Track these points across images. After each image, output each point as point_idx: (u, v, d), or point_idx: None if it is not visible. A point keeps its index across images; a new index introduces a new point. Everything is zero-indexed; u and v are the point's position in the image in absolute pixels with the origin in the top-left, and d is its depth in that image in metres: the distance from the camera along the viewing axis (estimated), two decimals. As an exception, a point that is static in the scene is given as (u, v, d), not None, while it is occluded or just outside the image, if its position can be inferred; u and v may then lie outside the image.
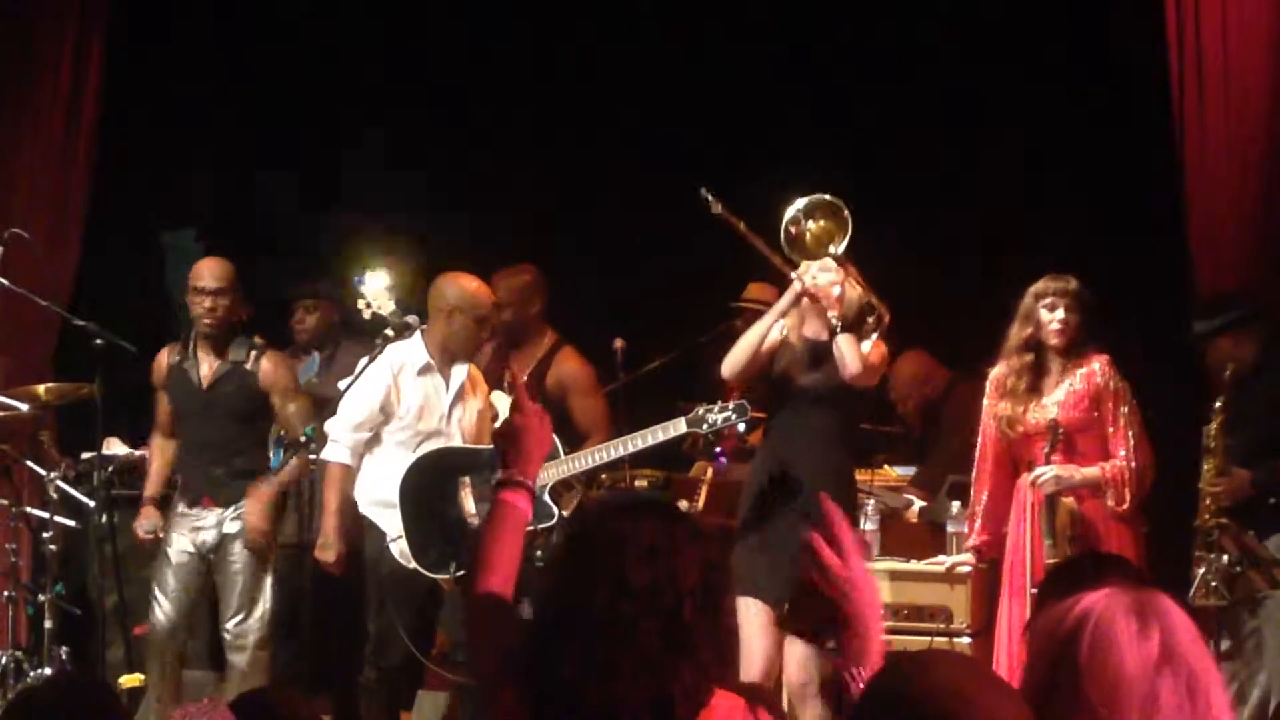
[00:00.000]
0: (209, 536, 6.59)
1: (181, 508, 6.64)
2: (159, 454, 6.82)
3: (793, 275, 5.90)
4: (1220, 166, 6.81)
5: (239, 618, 6.55)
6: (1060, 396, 5.91)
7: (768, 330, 5.93)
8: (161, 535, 6.66)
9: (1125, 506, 5.85)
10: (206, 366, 6.61)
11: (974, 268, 7.55)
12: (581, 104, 8.54)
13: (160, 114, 8.50)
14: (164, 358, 6.70)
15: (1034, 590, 5.69)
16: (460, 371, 6.36)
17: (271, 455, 6.83)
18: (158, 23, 8.50)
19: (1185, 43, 6.83)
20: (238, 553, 6.55)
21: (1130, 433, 5.87)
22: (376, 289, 6.45)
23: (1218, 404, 6.13)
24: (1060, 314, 5.97)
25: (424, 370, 6.33)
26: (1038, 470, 5.86)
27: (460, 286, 6.34)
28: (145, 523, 6.71)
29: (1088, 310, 5.96)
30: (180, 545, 6.60)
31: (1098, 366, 5.92)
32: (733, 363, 5.98)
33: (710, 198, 6.01)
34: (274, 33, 8.62)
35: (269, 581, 6.61)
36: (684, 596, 2.77)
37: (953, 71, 7.92)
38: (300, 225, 8.72)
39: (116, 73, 8.04)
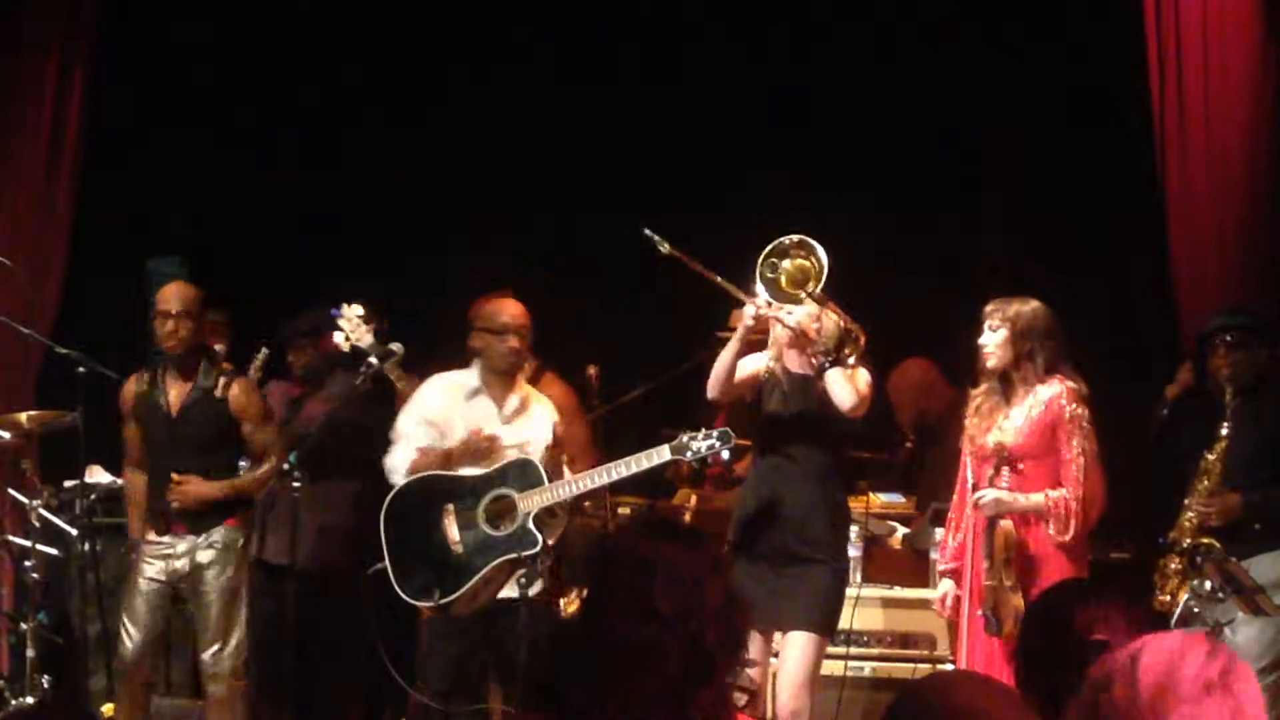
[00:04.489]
0: (180, 565, 6.50)
1: (152, 535, 6.55)
2: (134, 489, 6.70)
3: (747, 301, 5.86)
4: (1201, 183, 6.86)
5: (215, 647, 6.49)
6: (1019, 422, 5.85)
7: (733, 355, 5.90)
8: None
9: (1068, 538, 5.76)
10: (174, 393, 6.54)
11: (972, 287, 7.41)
12: (560, 126, 8.58)
13: (146, 139, 8.51)
14: (131, 386, 6.62)
15: (979, 612, 5.73)
16: (515, 395, 6.33)
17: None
18: (145, 48, 8.52)
19: (1166, 58, 6.88)
20: (211, 582, 6.48)
21: (1079, 463, 5.77)
22: (352, 320, 6.42)
23: (1223, 430, 6.14)
24: (983, 337, 5.91)
25: (472, 394, 6.33)
26: (980, 492, 5.82)
27: (483, 306, 6.40)
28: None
29: (1017, 328, 5.84)
30: (150, 573, 6.51)
31: (1059, 391, 5.83)
32: (711, 384, 6.00)
33: (656, 238, 5.97)
34: (259, 57, 8.67)
35: (244, 611, 6.55)
36: (708, 623, 2.80)
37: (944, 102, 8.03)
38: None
39: (102, 97, 8.04)
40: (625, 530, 3.21)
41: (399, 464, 6.27)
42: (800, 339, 5.83)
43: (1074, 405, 5.80)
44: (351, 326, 6.44)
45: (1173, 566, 6.18)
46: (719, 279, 5.97)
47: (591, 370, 6.94)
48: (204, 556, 6.48)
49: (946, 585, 6.02)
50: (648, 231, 5.97)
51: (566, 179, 8.59)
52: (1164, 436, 6.47)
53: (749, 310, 5.85)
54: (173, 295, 6.54)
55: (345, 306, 6.46)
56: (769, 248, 5.82)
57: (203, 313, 6.59)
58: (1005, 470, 5.81)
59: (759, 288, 5.80)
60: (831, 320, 5.86)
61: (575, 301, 8.07)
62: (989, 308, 5.91)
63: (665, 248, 5.98)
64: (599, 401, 7.04)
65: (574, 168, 8.58)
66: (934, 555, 6.59)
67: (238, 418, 6.53)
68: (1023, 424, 5.85)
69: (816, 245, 5.78)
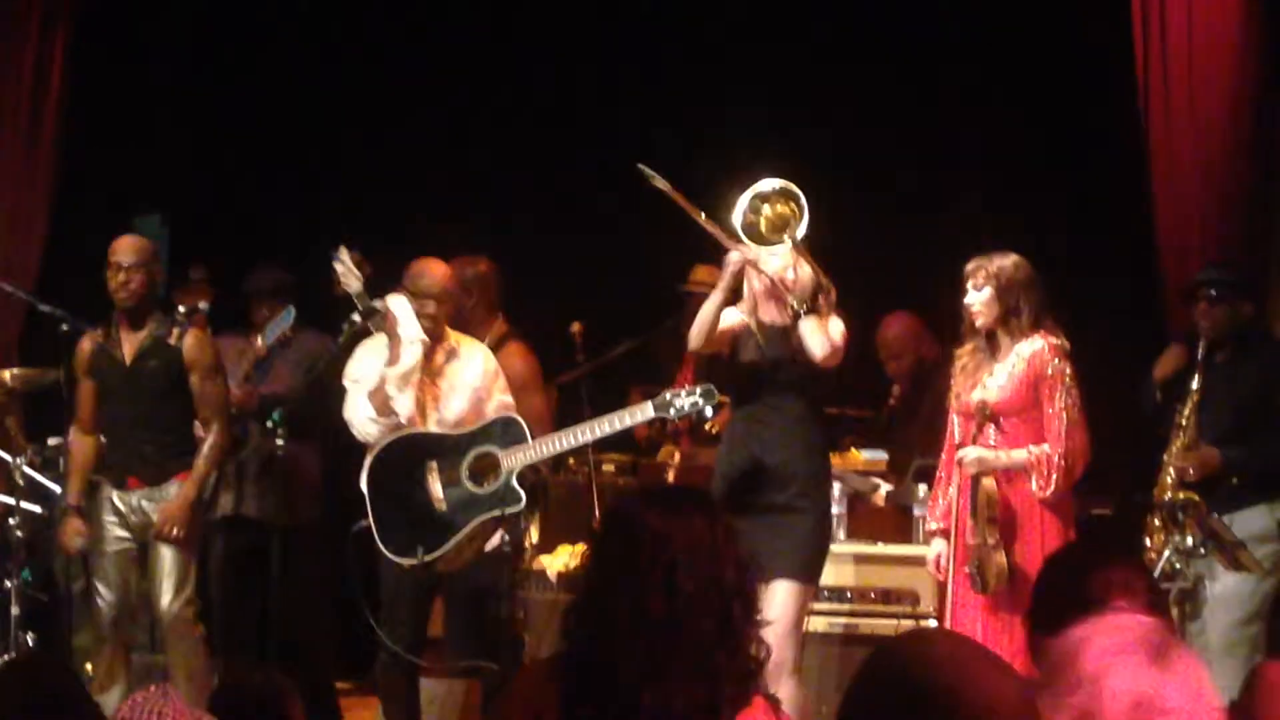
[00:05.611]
0: (136, 519, 6.44)
1: (108, 490, 6.48)
2: (78, 452, 6.61)
3: (732, 248, 5.83)
4: (1186, 150, 6.86)
5: (169, 597, 6.39)
6: (1001, 380, 5.84)
7: (718, 305, 5.87)
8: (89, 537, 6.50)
9: (1049, 493, 5.73)
10: (128, 344, 6.46)
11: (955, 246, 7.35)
12: (536, 82, 8.55)
13: (130, 97, 8.46)
14: (86, 344, 6.53)
15: (966, 570, 5.72)
16: (441, 348, 6.32)
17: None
18: (128, 6, 8.47)
19: (1150, 29, 6.86)
20: (159, 525, 6.38)
21: (1063, 419, 5.75)
22: (345, 264, 6.36)
23: (1194, 384, 6.16)
24: (968, 297, 5.90)
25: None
26: (963, 450, 5.82)
27: (410, 267, 6.38)
28: (75, 539, 6.51)
29: (1000, 284, 5.82)
30: (115, 532, 6.46)
31: (1040, 347, 5.80)
32: (694, 336, 5.97)
33: (649, 171, 5.91)
34: (248, 21, 8.64)
35: (194, 563, 6.48)
36: (730, 597, 2.81)
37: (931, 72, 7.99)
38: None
39: (85, 53, 7.99)
40: (636, 503, 3.07)
41: (358, 409, 6.24)
42: (776, 288, 5.82)
43: (1056, 360, 5.79)
44: (343, 270, 6.35)
45: (1156, 522, 6.20)
46: (708, 221, 5.92)
47: (575, 327, 6.90)
48: (155, 511, 6.41)
49: (939, 545, 5.98)
50: (642, 166, 5.91)
51: (551, 132, 8.56)
52: (1160, 420, 6.45)
53: (734, 256, 5.82)
54: (122, 247, 6.45)
55: (342, 250, 6.38)
56: (750, 191, 5.80)
57: (156, 264, 6.53)
58: (989, 428, 5.80)
59: (738, 230, 5.78)
60: (805, 271, 5.84)
61: (559, 257, 8.07)
62: (970, 266, 5.89)
63: (657, 182, 5.91)
64: (584, 358, 7.00)
65: (558, 121, 8.55)
66: (918, 512, 6.60)
67: (188, 368, 6.44)
68: (1005, 381, 5.84)
69: (799, 192, 5.76)
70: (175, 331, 6.45)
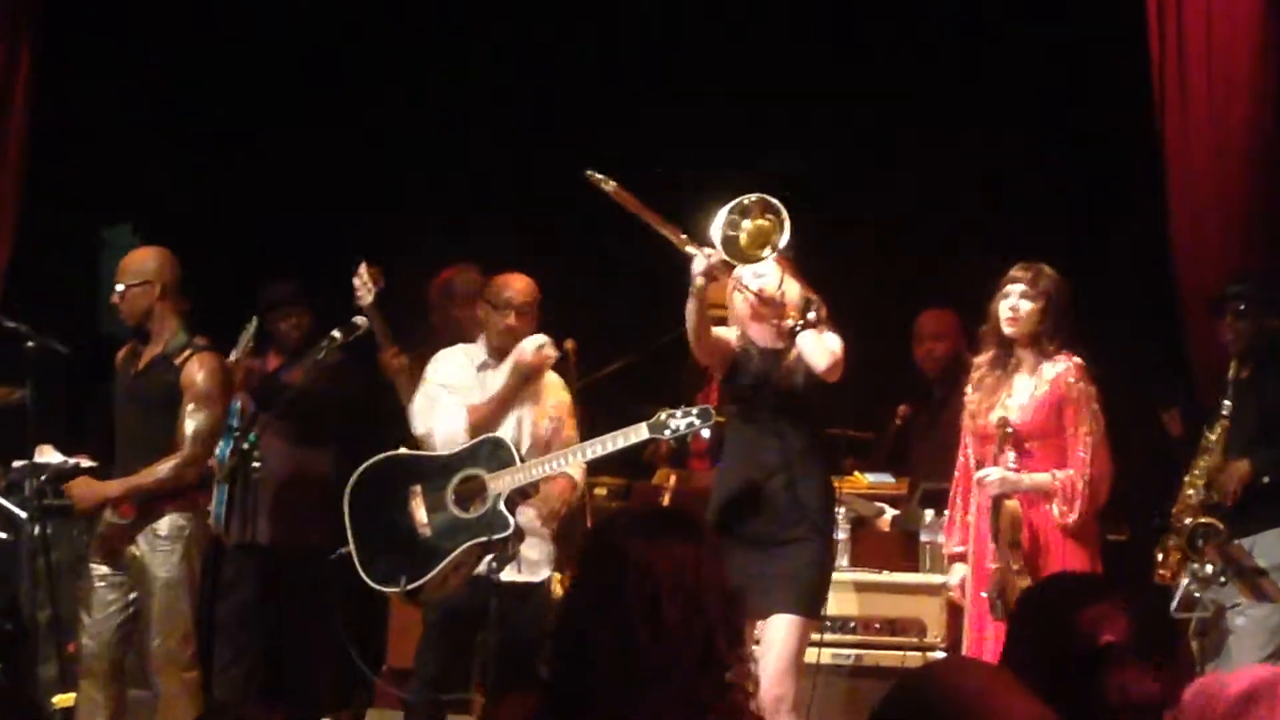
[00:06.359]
0: (127, 551, 6.22)
1: (106, 514, 6.26)
2: None
3: (690, 251, 5.61)
4: (1202, 156, 6.76)
5: (159, 639, 6.19)
6: (1024, 399, 5.71)
7: (695, 313, 5.64)
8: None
9: (1073, 519, 5.61)
10: (145, 357, 6.32)
11: (959, 262, 7.40)
12: (534, 96, 8.50)
13: (99, 104, 8.32)
14: (121, 353, 6.42)
15: (982, 594, 5.60)
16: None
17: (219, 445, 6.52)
18: (97, 12, 8.34)
19: (1166, 28, 6.77)
20: (153, 572, 6.18)
21: (1087, 443, 5.64)
22: (363, 278, 6.43)
23: (1224, 409, 6.08)
24: (1011, 301, 5.74)
25: (482, 368, 6.32)
26: (984, 470, 5.68)
27: (492, 280, 6.40)
28: None
29: (1051, 301, 5.71)
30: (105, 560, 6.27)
31: (1065, 368, 5.70)
32: (693, 348, 5.81)
33: (597, 176, 5.74)
34: (215, 25, 8.53)
35: (190, 600, 6.25)
36: (715, 625, 2.78)
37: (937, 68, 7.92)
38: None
39: (53, 59, 7.87)
40: (619, 527, 2.99)
41: (445, 422, 6.15)
42: (764, 306, 5.68)
43: (1082, 383, 5.68)
44: (359, 284, 6.41)
45: (1171, 543, 6.08)
46: (664, 225, 5.71)
47: (569, 345, 6.74)
48: (146, 545, 6.20)
49: (961, 570, 5.85)
50: (590, 172, 5.75)
51: (541, 142, 8.48)
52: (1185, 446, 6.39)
53: (698, 263, 5.59)
54: (122, 264, 6.36)
55: (363, 264, 6.44)
56: (729, 205, 5.61)
57: (163, 279, 6.30)
58: (1009, 449, 5.67)
59: (717, 246, 5.59)
60: (794, 286, 5.71)
61: (551, 273, 7.74)
62: (1022, 272, 5.75)
63: (609, 185, 5.73)
64: (577, 377, 6.88)
65: (548, 130, 8.46)
66: (925, 537, 6.49)
67: (182, 391, 6.22)
68: (1028, 402, 5.71)
69: (780, 206, 5.56)
70: (185, 353, 6.25)
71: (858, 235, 7.42)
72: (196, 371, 6.22)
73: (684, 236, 5.64)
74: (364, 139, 8.62)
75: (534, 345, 6.20)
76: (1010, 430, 5.64)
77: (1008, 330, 5.73)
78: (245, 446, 6.20)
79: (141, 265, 6.30)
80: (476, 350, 6.33)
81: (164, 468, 6.12)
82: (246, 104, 8.63)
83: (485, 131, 8.53)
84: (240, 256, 8.08)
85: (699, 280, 5.57)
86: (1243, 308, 6.18)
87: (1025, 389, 5.73)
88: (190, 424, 6.17)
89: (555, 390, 6.34)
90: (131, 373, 6.31)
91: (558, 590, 6.50)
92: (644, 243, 6.82)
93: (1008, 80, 7.84)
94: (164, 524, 6.19)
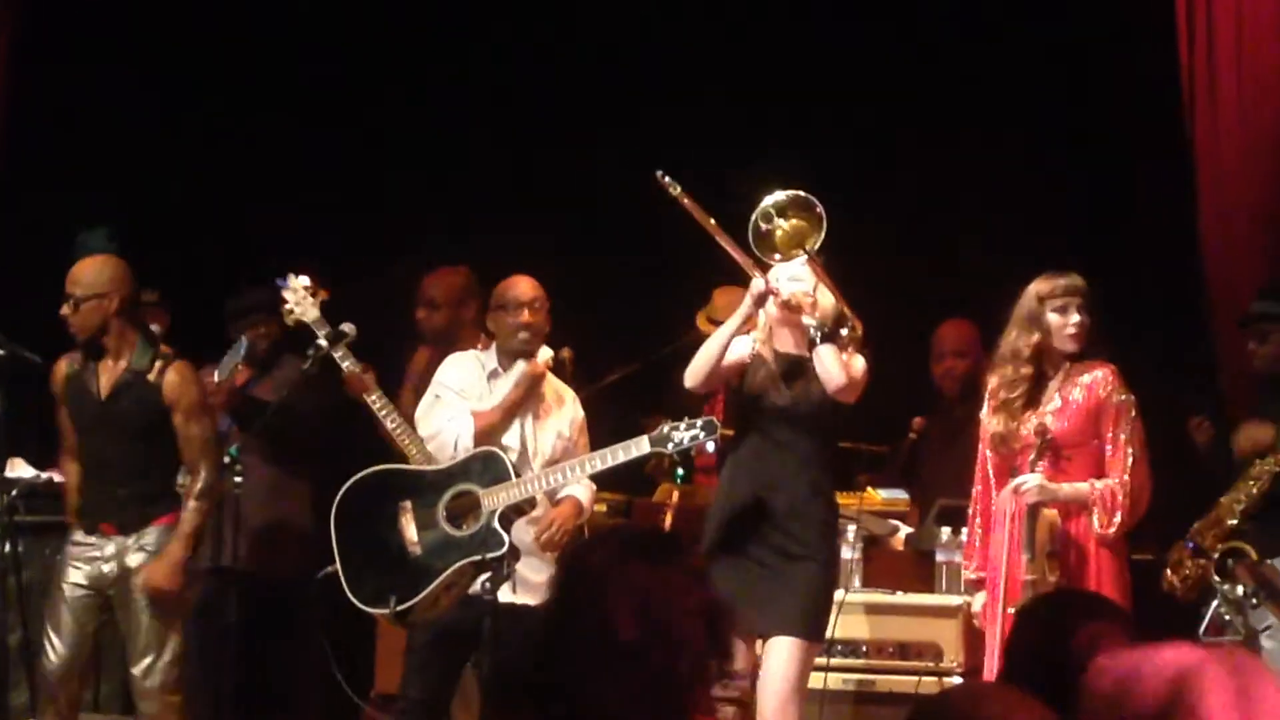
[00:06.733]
0: (109, 568, 6.03)
1: (78, 535, 6.11)
2: (71, 476, 6.28)
3: (755, 274, 5.57)
4: (1232, 157, 6.71)
5: (147, 661, 6.01)
6: (1056, 404, 5.58)
7: (730, 337, 5.58)
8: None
9: (1113, 530, 5.51)
10: (105, 376, 6.09)
11: (973, 267, 7.38)
12: (539, 97, 8.39)
13: (75, 103, 8.19)
14: (62, 367, 6.17)
15: (1010, 610, 5.39)
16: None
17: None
18: (74, 10, 8.23)
19: (1195, 29, 6.70)
20: (142, 588, 6.00)
21: (1129, 451, 5.52)
22: (298, 292, 6.08)
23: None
24: (1075, 317, 5.59)
25: (492, 376, 6.14)
26: (1021, 477, 5.53)
27: (495, 289, 6.22)
28: None
29: (1095, 311, 5.61)
30: (75, 578, 6.05)
31: (1101, 376, 5.57)
32: (694, 372, 5.65)
33: (668, 180, 5.64)
34: (194, 15, 8.43)
35: (179, 620, 6.11)
36: (678, 652, 2.67)
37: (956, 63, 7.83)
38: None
39: (29, 56, 7.78)
40: (585, 548, 2.96)
41: (451, 426, 5.97)
42: (794, 310, 5.54)
43: (1119, 391, 5.58)
44: (297, 299, 6.06)
45: (1189, 558, 6.00)
46: (730, 242, 5.62)
47: (566, 353, 6.57)
48: (134, 560, 6.01)
49: (983, 596, 5.71)
50: (661, 173, 5.64)
51: (540, 142, 8.38)
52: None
53: (758, 284, 5.52)
54: (75, 275, 6.08)
55: (291, 277, 6.09)
56: (765, 202, 5.55)
57: (123, 291, 6.08)
58: (1043, 458, 5.53)
59: (751, 245, 5.56)
60: (828, 297, 5.57)
61: (551, 274, 7.60)
62: (1075, 284, 5.61)
63: (676, 190, 5.64)
64: (575, 387, 6.67)
65: (548, 130, 8.36)
66: (940, 557, 6.35)
67: (170, 406, 6.04)
68: (1064, 408, 5.59)
69: (815, 202, 5.51)
70: (156, 366, 6.05)
71: (863, 237, 7.18)
72: (179, 382, 6.06)
73: (749, 257, 5.57)
74: (363, 139, 8.53)
75: (547, 357, 6.05)
76: (1050, 438, 5.51)
77: (1070, 347, 5.60)
78: (225, 460, 6.07)
79: (96, 276, 6.06)
80: (488, 357, 6.16)
81: (198, 497, 6.02)
82: (237, 101, 8.51)
83: (485, 131, 8.44)
84: (230, 259, 7.94)
85: (752, 304, 5.51)
86: (1265, 329, 6.12)
87: (1059, 396, 5.61)
88: (197, 434, 6.07)
89: (570, 406, 6.18)
90: (97, 396, 6.08)
91: None
92: (645, 245, 6.68)
93: (1012, 81, 7.80)
94: (150, 536, 6.04)
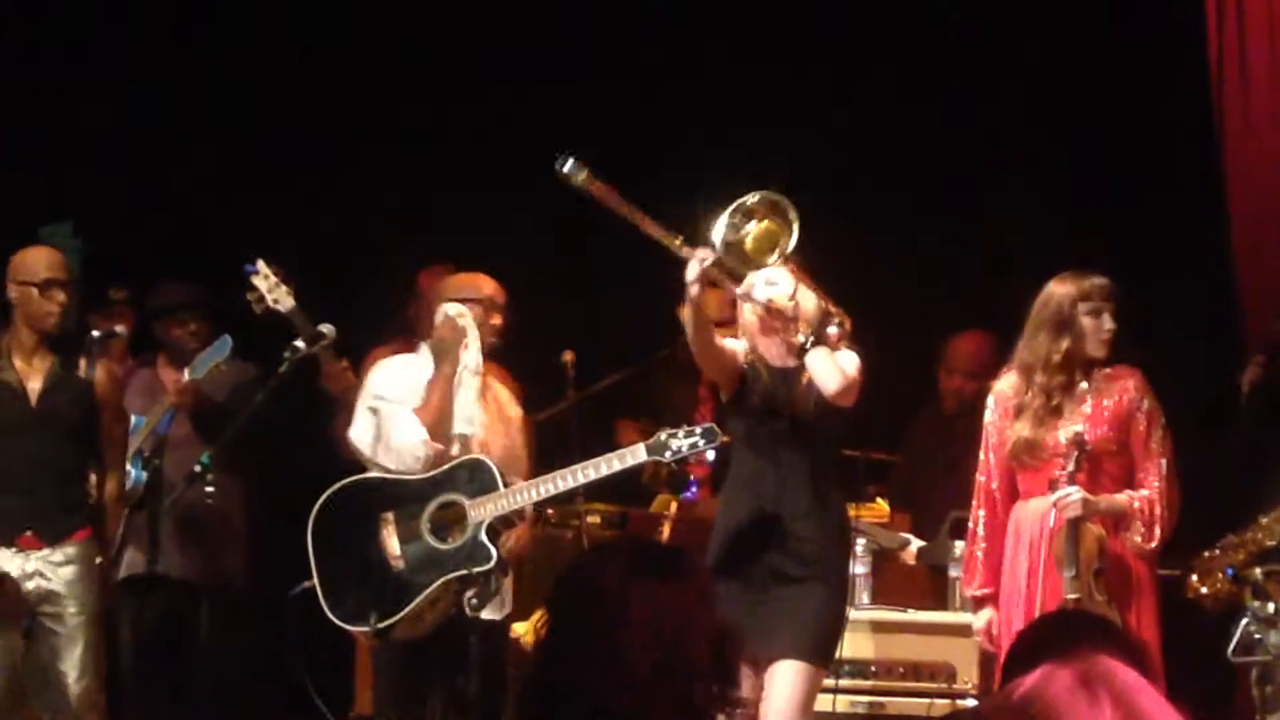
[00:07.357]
0: (32, 586, 5.78)
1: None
2: None
3: (685, 254, 5.22)
4: (1265, 158, 6.70)
5: (82, 683, 5.81)
6: (1088, 411, 5.43)
7: (694, 323, 5.29)
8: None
9: (1155, 544, 5.41)
10: (32, 374, 5.85)
11: (994, 267, 7.34)
12: (532, 101, 8.29)
13: (38, 95, 8.11)
14: None
15: None
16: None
17: (131, 471, 6.25)
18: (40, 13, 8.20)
19: (1226, 24, 6.67)
20: (73, 607, 5.80)
21: (1161, 463, 5.42)
22: (270, 279, 5.93)
23: None
24: (1108, 322, 5.45)
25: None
26: (1063, 490, 5.34)
27: (449, 279, 6.09)
28: None
29: (1124, 314, 5.49)
30: None
31: (1131, 383, 5.46)
32: (696, 358, 5.49)
33: (570, 167, 5.25)
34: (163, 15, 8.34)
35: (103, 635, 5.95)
36: (694, 679, 2.67)
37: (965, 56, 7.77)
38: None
39: None
40: (592, 565, 2.84)
41: (407, 430, 5.70)
42: (774, 318, 5.32)
43: (1147, 398, 5.48)
44: (269, 286, 5.91)
45: (1217, 564, 5.80)
46: (652, 225, 5.27)
47: (567, 356, 6.50)
48: (65, 573, 5.81)
49: (988, 614, 5.57)
50: (560, 165, 5.28)
51: (541, 142, 8.12)
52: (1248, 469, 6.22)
53: (691, 269, 5.20)
54: (55, 262, 5.91)
55: (260, 262, 5.94)
56: (732, 206, 5.26)
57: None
58: (1080, 469, 5.37)
59: (718, 251, 5.25)
60: (809, 297, 5.35)
61: (550, 275, 7.74)
62: (1084, 289, 5.45)
63: (581, 179, 5.26)
64: (573, 391, 6.65)
65: (548, 129, 8.01)
66: (954, 573, 6.19)
67: (101, 406, 5.86)
68: (1093, 413, 5.44)
69: (789, 205, 5.23)
70: (82, 362, 5.87)
71: (865, 237, 7.28)
72: (108, 380, 5.96)
73: (679, 240, 5.25)
74: (362, 138, 8.43)
75: (454, 311, 5.78)
76: (1087, 447, 5.34)
77: (1101, 353, 5.46)
78: (197, 469, 5.99)
79: (67, 264, 5.96)
80: (421, 358, 5.93)
81: (115, 505, 5.92)
82: (209, 94, 8.41)
83: (485, 131, 8.32)
84: (212, 260, 7.63)
85: (694, 288, 5.21)
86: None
87: (1088, 402, 5.47)
88: (118, 439, 5.97)
89: (508, 405, 6.03)
90: (23, 396, 5.83)
91: (516, 630, 6.36)
92: (645, 245, 6.49)
93: (1050, 70, 7.72)
94: (73, 550, 5.85)
